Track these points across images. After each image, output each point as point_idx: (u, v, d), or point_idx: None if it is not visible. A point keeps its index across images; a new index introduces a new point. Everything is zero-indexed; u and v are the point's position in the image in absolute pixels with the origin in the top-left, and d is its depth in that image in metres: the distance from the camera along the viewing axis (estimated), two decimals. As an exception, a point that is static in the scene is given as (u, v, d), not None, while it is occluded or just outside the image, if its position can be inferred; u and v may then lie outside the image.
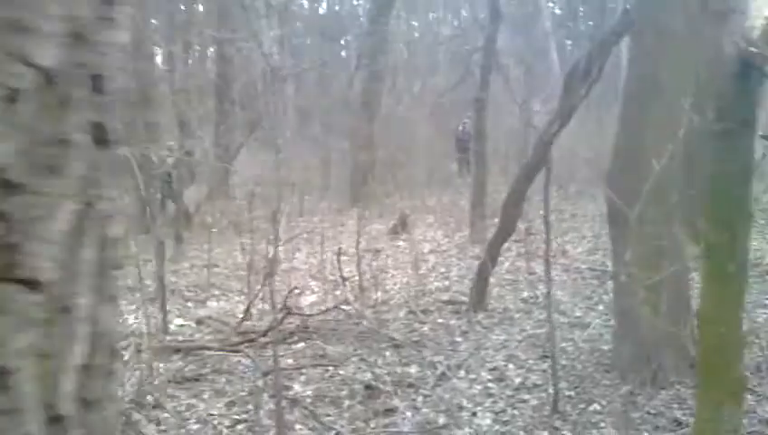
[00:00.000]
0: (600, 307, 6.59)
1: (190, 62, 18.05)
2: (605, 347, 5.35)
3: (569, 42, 23.85)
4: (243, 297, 7.41)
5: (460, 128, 15.41)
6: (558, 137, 5.71)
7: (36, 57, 0.67)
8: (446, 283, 8.03)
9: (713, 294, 2.64)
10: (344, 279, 6.86)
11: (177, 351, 5.95)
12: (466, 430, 4.35)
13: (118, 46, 0.78)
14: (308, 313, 6.68)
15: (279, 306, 6.09)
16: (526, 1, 21.62)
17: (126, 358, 5.86)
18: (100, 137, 0.77)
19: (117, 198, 0.82)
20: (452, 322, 6.57)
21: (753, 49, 2.43)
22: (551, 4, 25.68)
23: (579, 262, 8.64)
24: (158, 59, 10.92)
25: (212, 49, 15.94)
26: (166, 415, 4.70)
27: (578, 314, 6.59)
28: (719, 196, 2.63)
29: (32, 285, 0.68)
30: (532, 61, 15.40)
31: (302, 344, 5.98)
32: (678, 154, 3.58)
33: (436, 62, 19.82)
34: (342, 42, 22.55)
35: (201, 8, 14.71)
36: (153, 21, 13.00)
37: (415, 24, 27.95)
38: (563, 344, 5.66)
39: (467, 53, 11.29)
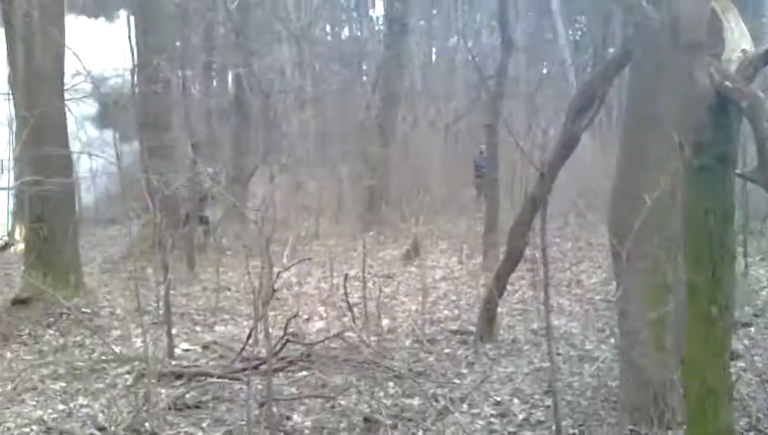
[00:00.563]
0: (612, 340, 6.41)
1: (215, 83, 18.27)
2: (613, 383, 5.19)
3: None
4: (251, 322, 7.35)
5: (479, 153, 15.38)
6: (559, 167, 5.60)
7: None
8: (456, 311, 7.90)
9: (696, 338, 2.51)
10: (350, 306, 6.77)
11: (180, 376, 5.89)
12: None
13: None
14: (313, 339, 6.61)
15: (281, 333, 6.04)
16: (544, 29, 21.67)
17: (128, 382, 5.85)
18: None
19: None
20: (459, 352, 6.45)
21: (728, 84, 2.33)
22: (570, 32, 25.71)
23: (592, 292, 8.48)
24: (176, 82, 11.02)
25: (231, 72, 16.12)
26: (161, 444, 4.64)
27: (588, 346, 6.44)
28: (698, 234, 2.51)
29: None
30: (550, 87, 15.35)
31: (304, 373, 5.89)
32: (678, 187, 3.47)
33: (453, 88, 19.85)
34: (364, 66, 22.68)
35: (222, 30, 14.88)
36: (177, 43, 13.20)
37: (434, 49, 28.09)
38: (570, 379, 5.51)
39: (480, 79, 11.24)
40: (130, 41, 8.32)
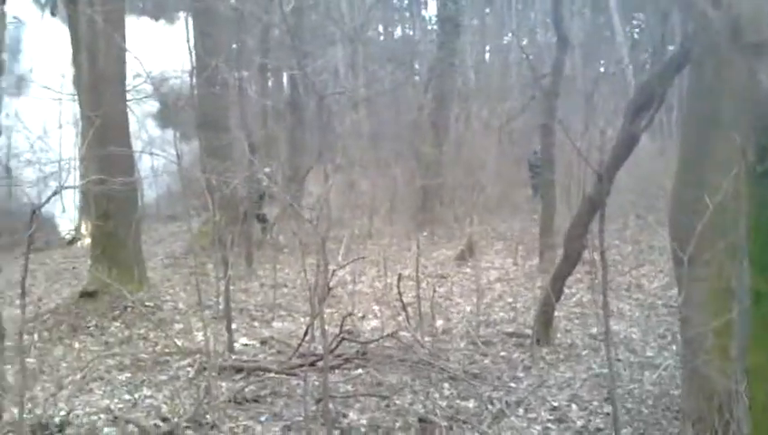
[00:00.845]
0: (674, 347, 6.25)
1: (270, 84, 18.57)
2: (675, 392, 5.06)
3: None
4: (307, 318, 7.46)
5: (533, 153, 15.19)
6: (617, 169, 5.48)
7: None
8: (512, 313, 7.84)
9: (762, 347, 2.43)
10: (404, 306, 6.80)
11: (239, 370, 6.03)
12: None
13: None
14: (368, 338, 6.66)
15: (337, 331, 6.12)
16: (601, 26, 21.19)
17: (190, 375, 6.03)
18: None
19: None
20: (515, 355, 6.40)
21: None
22: (628, 29, 25.13)
23: (654, 297, 8.28)
24: (233, 83, 11.24)
25: (286, 73, 16.34)
26: (221, 436, 4.76)
27: (649, 353, 6.29)
28: (762, 240, 2.42)
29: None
30: (607, 86, 15.03)
31: (359, 371, 5.95)
32: (741, 190, 3.35)
33: (508, 87, 19.67)
34: (417, 66, 22.71)
35: (277, 32, 15.10)
36: (233, 45, 13.47)
37: (487, 47, 27.88)
38: (631, 386, 5.40)
39: (535, 78, 11.09)
40: (189, 43, 8.52)
